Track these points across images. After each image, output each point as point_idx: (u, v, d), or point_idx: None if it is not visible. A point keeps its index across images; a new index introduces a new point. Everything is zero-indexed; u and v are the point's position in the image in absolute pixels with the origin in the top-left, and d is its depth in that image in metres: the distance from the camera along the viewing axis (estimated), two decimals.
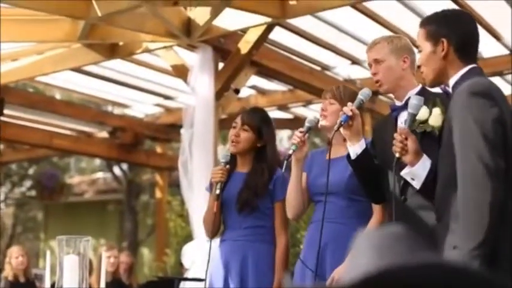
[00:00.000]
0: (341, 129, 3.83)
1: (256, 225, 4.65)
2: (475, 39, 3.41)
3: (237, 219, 4.68)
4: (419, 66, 3.47)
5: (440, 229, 3.26)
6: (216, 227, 4.75)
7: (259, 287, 4.55)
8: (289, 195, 4.38)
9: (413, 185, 3.53)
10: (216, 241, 4.87)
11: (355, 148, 3.83)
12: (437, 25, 3.37)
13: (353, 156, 3.84)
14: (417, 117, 3.60)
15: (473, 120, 3.04)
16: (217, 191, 4.61)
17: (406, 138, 3.43)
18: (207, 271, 4.72)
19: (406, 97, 3.83)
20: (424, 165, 3.44)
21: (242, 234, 4.66)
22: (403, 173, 3.50)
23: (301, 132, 4.21)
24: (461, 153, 3.06)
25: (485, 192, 2.94)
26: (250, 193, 4.63)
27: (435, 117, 3.47)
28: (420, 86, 3.88)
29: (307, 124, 4.23)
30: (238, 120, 4.77)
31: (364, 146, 3.83)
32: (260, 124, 4.75)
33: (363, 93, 3.94)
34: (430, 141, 3.52)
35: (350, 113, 3.77)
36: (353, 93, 4.32)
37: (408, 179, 3.51)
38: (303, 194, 4.37)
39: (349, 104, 3.89)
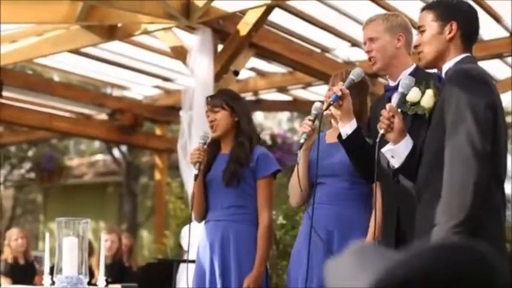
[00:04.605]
0: (332, 109, 3.81)
1: (238, 204, 4.66)
2: (477, 31, 3.51)
3: (220, 199, 4.69)
4: (416, 46, 3.47)
5: (421, 208, 3.32)
6: (198, 209, 4.78)
7: (240, 267, 4.57)
8: (296, 183, 4.33)
9: (392, 163, 3.54)
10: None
11: (346, 128, 3.81)
12: (449, 8, 3.42)
13: (344, 137, 3.83)
14: (409, 99, 3.63)
15: (467, 103, 3.09)
16: (196, 172, 4.64)
17: (393, 116, 3.44)
18: (188, 253, 4.75)
19: (400, 77, 3.82)
20: (406, 145, 3.46)
21: (224, 214, 4.67)
22: (384, 149, 3.51)
23: (310, 120, 4.18)
24: (452, 133, 3.11)
25: (471, 172, 3.00)
26: (235, 165, 4.64)
27: (427, 99, 3.50)
28: (414, 65, 3.87)
29: (313, 112, 4.20)
30: (207, 107, 4.82)
31: (355, 126, 3.81)
32: (226, 99, 4.79)
33: (354, 73, 3.90)
34: (420, 123, 3.54)
35: (339, 93, 3.74)
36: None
37: (388, 156, 3.53)
38: (307, 180, 4.36)
39: (340, 83, 3.87)
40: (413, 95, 3.63)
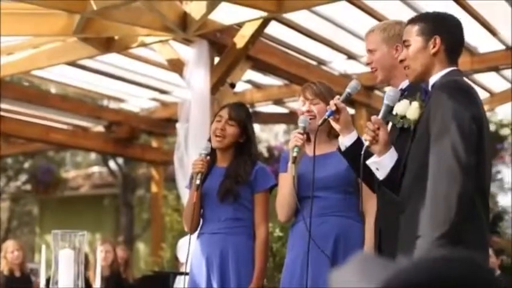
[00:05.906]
0: (331, 123, 3.82)
1: (235, 217, 4.64)
2: (462, 43, 3.55)
3: (216, 212, 4.67)
4: (401, 61, 3.49)
5: (405, 219, 3.32)
6: (196, 220, 4.74)
7: (239, 280, 4.55)
8: (285, 197, 4.35)
9: (377, 175, 3.54)
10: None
11: (345, 140, 3.82)
12: (432, 23, 3.44)
13: (342, 149, 3.84)
14: (398, 112, 3.62)
15: (452, 115, 3.11)
16: (198, 181, 4.62)
17: (378, 128, 3.45)
18: (186, 265, 4.73)
19: (400, 87, 3.83)
20: (391, 157, 3.47)
21: (221, 227, 4.65)
22: (369, 161, 3.51)
23: (300, 133, 4.19)
24: (436, 145, 3.13)
25: (456, 185, 3.02)
26: (231, 181, 4.63)
27: (412, 111, 3.50)
28: None
29: (301, 124, 4.22)
30: (224, 114, 4.75)
31: (354, 138, 3.81)
32: (245, 119, 4.77)
33: (350, 86, 3.91)
34: (406, 136, 3.53)
35: (334, 108, 3.75)
36: (329, 89, 4.43)
37: (373, 168, 3.53)
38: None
39: (336, 97, 3.88)
40: (403, 107, 3.63)
